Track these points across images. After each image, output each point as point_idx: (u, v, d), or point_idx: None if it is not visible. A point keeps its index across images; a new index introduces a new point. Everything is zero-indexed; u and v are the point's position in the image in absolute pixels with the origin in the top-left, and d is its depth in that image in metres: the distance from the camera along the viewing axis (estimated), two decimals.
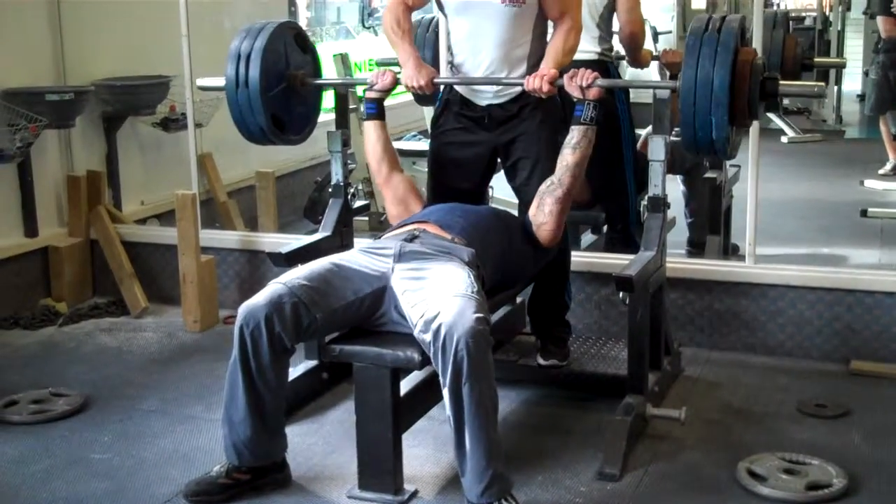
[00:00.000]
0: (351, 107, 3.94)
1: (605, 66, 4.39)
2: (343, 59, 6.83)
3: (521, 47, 3.48)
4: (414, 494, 3.01)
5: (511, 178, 3.65)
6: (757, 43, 4.05)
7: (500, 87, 3.52)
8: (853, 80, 11.71)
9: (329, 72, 7.04)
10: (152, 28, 5.47)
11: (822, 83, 3.25)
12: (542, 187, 3.41)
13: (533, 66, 3.47)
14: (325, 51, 7.42)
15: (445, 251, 3.08)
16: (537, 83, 3.35)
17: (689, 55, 3.14)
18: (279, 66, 3.75)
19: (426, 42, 5.23)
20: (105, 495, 3.07)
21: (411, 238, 3.14)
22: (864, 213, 6.19)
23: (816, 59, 5.05)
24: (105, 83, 5.20)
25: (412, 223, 3.30)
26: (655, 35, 8.00)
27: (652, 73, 5.76)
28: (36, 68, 4.99)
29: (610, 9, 4.48)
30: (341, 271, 3.03)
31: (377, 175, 3.64)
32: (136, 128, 5.50)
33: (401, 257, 3.05)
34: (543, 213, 3.39)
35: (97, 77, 5.20)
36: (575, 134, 3.34)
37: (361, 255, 3.13)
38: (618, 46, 4.69)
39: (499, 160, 3.69)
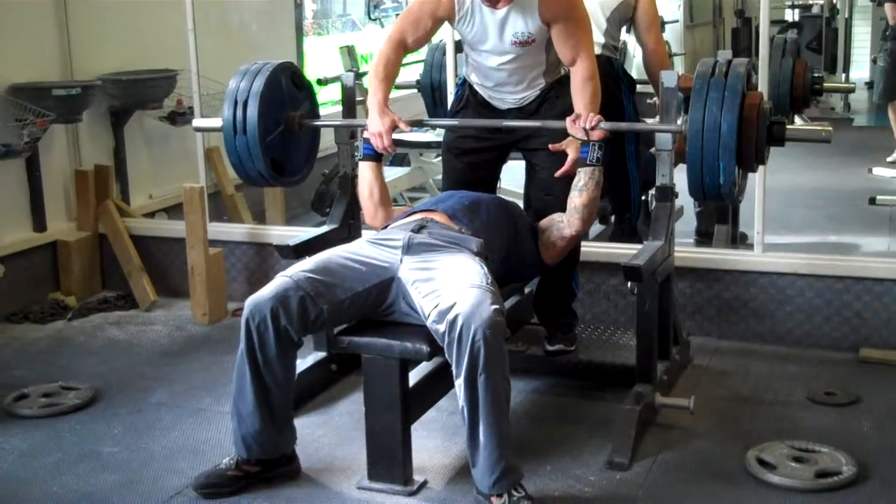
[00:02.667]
0: (358, 99, 3.93)
1: (609, 61, 4.37)
2: (349, 52, 6.83)
3: (534, 67, 3.51)
4: (423, 485, 3.01)
5: (531, 169, 3.70)
6: (763, 39, 4.03)
7: (522, 94, 3.55)
8: (861, 68, 11.68)
9: (336, 65, 7.06)
10: (158, 22, 5.47)
11: (829, 127, 3.23)
12: (556, 217, 3.43)
13: (551, 75, 3.51)
14: (332, 43, 7.42)
15: (454, 242, 3.08)
16: (582, 134, 3.29)
17: (696, 99, 3.11)
18: (276, 109, 3.70)
19: (434, 64, 5.20)
20: (115, 488, 3.08)
21: (419, 228, 3.13)
22: (872, 201, 6.15)
23: (826, 84, 5.02)
24: (112, 77, 5.21)
25: (420, 212, 3.30)
26: (662, 24, 7.97)
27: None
28: (43, 63, 5.00)
29: (622, 13, 4.43)
30: (348, 262, 3.03)
31: (366, 212, 3.53)
32: (143, 122, 5.52)
33: (409, 249, 3.05)
34: (548, 240, 3.43)
35: (104, 71, 5.21)
36: (581, 176, 3.33)
37: (369, 246, 3.13)
38: (624, 36, 4.65)
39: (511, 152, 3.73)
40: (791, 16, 13.02)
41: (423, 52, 5.38)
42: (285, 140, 3.76)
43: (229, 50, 6.15)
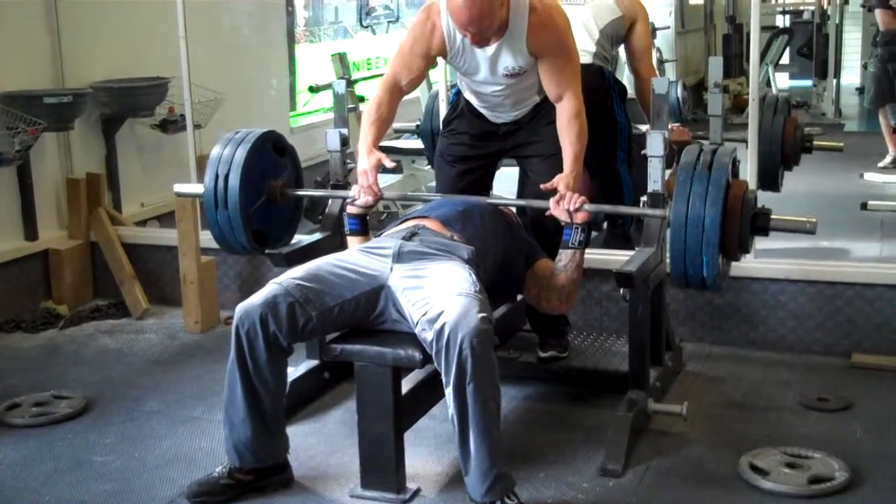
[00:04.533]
0: (349, 106, 3.93)
1: (601, 70, 4.38)
2: (341, 59, 6.85)
3: (529, 89, 3.51)
4: (416, 493, 3.01)
5: (524, 176, 3.73)
6: (753, 44, 4.05)
7: (516, 112, 3.57)
8: (852, 74, 11.72)
9: (328, 72, 7.07)
10: (150, 30, 5.47)
11: (814, 219, 3.23)
12: (546, 272, 3.37)
13: (544, 92, 3.49)
14: (324, 50, 7.42)
15: (445, 249, 3.08)
16: (565, 216, 3.26)
17: (679, 192, 3.07)
18: (259, 180, 3.63)
19: (434, 111, 5.20)
20: (108, 497, 3.07)
21: (410, 236, 3.14)
22: (864, 206, 6.17)
23: (816, 143, 5.08)
24: (103, 85, 5.21)
25: (413, 219, 3.30)
26: (654, 31, 7.99)
27: None
28: (34, 71, 5.00)
29: (615, 30, 4.44)
30: (338, 270, 3.03)
31: None
32: (134, 130, 5.51)
33: (400, 257, 3.05)
34: (533, 288, 3.41)
35: (95, 79, 5.21)
36: (563, 257, 3.31)
37: (359, 255, 3.13)
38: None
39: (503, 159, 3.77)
40: (782, 21, 13.08)
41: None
42: (267, 210, 3.69)
43: (221, 58, 6.17)
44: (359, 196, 3.38)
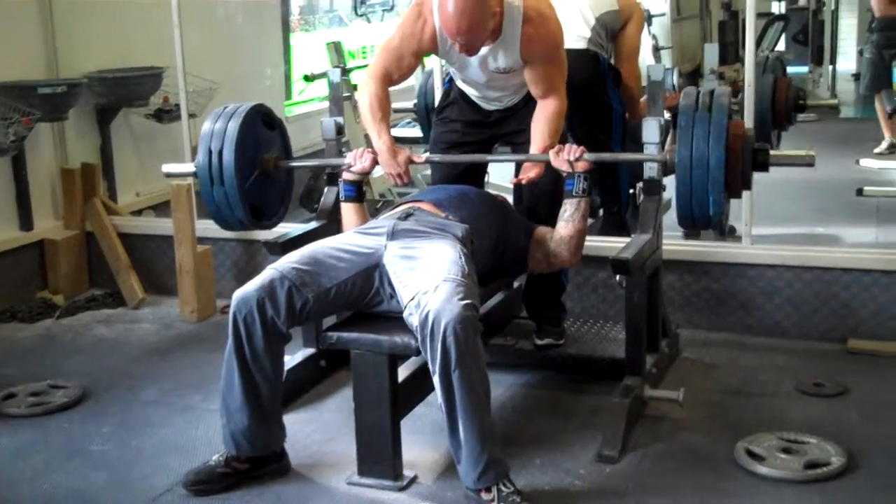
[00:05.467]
0: (345, 94, 3.92)
1: (595, 56, 4.38)
2: (336, 48, 6.82)
3: (520, 81, 3.50)
4: (413, 480, 3.01)
5: (518, 163, 3.69)
6: (749, 31, 4.04)
7: (508, 98, 3.57)
8: (848, 60, 11.71)
9: (322, 61, 7.05)
10: (144, 19, 5.45)
11: (812, 152, 3.25)
12: (551, 238, 3.39)
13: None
14: (319, 39, 7.40)
15: (439, 228, 3.09)
16: (565, 166, 3.29)
17: (682, 135, 3.12)
18: (252, 154, 3.62)
19: (428, 89, 5.19)
20: (104, 486, 3.07)
21: (405, 216, 3.15)
22: (859, 192, 6.18)
23: (809, 102, 5.02)
24: (97, 75, 5.19)
25: (407, 202, 3.31)
26: (650, 18, 7.98)
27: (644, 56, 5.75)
28: (28, 62, 4.98)
29: (609, 22, 4.43)
30: (334, 252, 3.04)
31: None
32: (129, 120, 5.50)
33: (394, 235, 3.06)
34: (538, 254, 3.43)
35: (89, 69, 5.19)
36: (567, 207, 3.33)
37: (355, 236, 3.14)
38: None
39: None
40: (777, 8, 13.04)
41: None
42: (261, 183, 3.68)
43: (215, 46, 6.15)
44: (355, 163, 3.41)
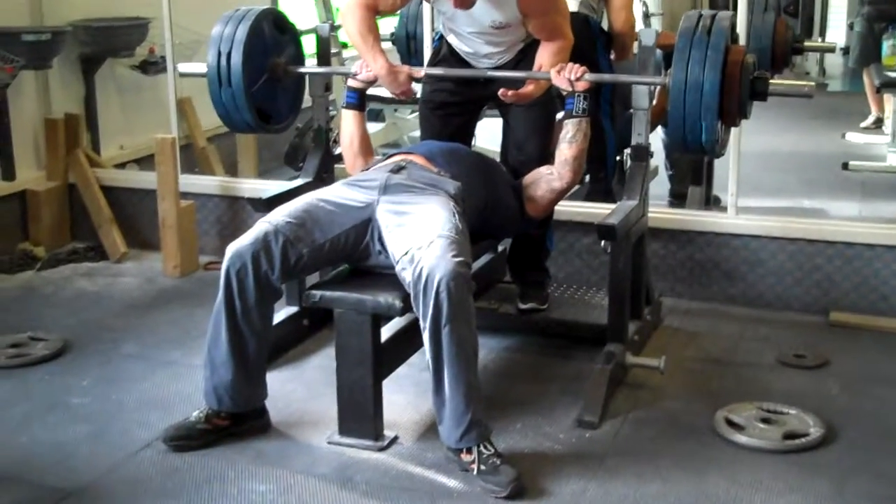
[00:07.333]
0: (333, 51, 3.88)
1: (586, 19, 4.34)
2: (324, 2, 6.76)
3: (514, 37, 3.46)
4: (394, 440, 3.02)
5: (506, 126, 3.70)
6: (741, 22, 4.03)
7: (499, 56, 3.52)
8: (837, 33, 11.66)
9: (311, 16, 6.98)
10: None
11: (812, 83, 3.23)
12: (542, 170, 3.41)
13: (530, 38, 3.46)
14: None
15: (431, 184, 3.07)
16: (567, 85, 3.29)
17: (678, 58, 3.08)
18: (261, 57, 3.66)
19: (409, 16, 5.08)
20: (84, 439, 3.06)
21: (398, 169, 3.13)
22: (845, 167, 6.20)
23: (806, 44, 5.02)
24: (83, 24, 5.12)
25: (399, 154, 3.29)
26: (647, 16, 7.94)
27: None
28: (12, 8, 4.90)
29: None
30: (326, 206, 3.03)
31: (346, 160, 3.53)
32: (114, 70, 5.43)
33: (386, 189, 3.04)
34: (535, 194, 3.41)
35: (75, 18, 5.12)
36: (569, 128, 3.32)
37: (346, 189, 3.12)
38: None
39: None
40: None
41: None
42: (271, 88, 3.73)
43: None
44: (361, 71, 3.44)
